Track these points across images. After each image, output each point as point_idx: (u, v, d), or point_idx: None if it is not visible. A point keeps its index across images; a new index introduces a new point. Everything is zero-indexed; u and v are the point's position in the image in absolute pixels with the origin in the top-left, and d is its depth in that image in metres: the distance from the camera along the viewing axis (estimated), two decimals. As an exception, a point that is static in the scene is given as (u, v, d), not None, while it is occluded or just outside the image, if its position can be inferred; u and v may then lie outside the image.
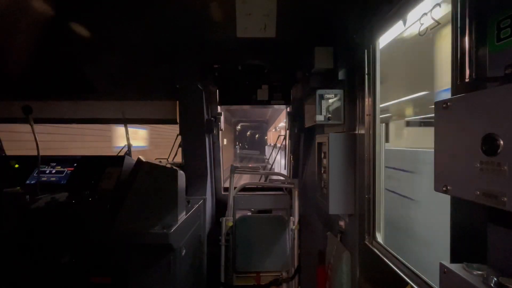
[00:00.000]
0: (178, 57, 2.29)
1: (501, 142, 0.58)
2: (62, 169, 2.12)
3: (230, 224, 2.63)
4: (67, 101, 2.63)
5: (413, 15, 1.14)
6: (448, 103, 0.73)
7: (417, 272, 1.06)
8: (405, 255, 1.20)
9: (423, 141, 2.75)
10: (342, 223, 1.72)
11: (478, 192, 0.64)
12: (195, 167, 2.46)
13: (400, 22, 1.20)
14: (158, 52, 2.27)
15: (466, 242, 0.79)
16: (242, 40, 1.94)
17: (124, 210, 1.60)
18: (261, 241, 2.67)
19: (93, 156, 2.24)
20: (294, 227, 2.66)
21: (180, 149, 2.62)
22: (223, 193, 2.92)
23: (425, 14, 1.05)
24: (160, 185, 1.66)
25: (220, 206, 2.82)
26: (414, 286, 1.02)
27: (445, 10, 1.01)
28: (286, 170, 3.26)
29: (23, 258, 1.64)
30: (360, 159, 1.51)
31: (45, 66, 2.27)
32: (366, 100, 1.45)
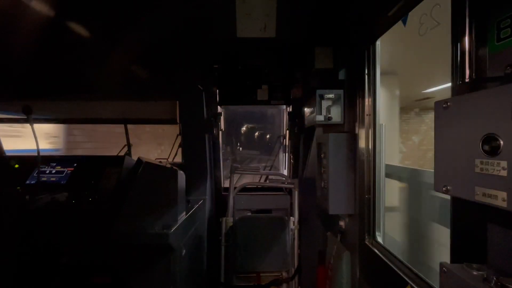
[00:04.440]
0: (178, 57, 2.29)
1: (501, 142, 0.58)
2: (62, 169, 2.11)
3: (230, 224, 2.63)
4: (67, 101, 2.63)
5: (413, 15, 1.14)
6: (448, 103, 0.73)
7: (417, 272, 1.06)
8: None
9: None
10: (342, 223, 1.72)
11: (478, 192, 0.63)
12: (195, 167, 2.47)
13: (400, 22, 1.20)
14: (158, 52, 2.27)
15: (466, 242, 0.79)
16: (242, 40, 1.95)
17: (124, 210, 1.60)
18: (261, 241, 2.66)
19: (93, 156, 2.24)
20: (294, 227, 2.66)
21: (180, 149, 2.62)
22: (223, 193, 2.92)
23: (425, 14, 1.05)
24: (160, 185, 1.66)
25: (220, 206, 2.82)
26: (414, 286, 1.02)
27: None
28: (286, 170, 3.26)
29: (23, 258, 1.64)
30: (360, 159, 1.51)
31: (45, 66, 2.27)
32: (366, 100, 1.45)
